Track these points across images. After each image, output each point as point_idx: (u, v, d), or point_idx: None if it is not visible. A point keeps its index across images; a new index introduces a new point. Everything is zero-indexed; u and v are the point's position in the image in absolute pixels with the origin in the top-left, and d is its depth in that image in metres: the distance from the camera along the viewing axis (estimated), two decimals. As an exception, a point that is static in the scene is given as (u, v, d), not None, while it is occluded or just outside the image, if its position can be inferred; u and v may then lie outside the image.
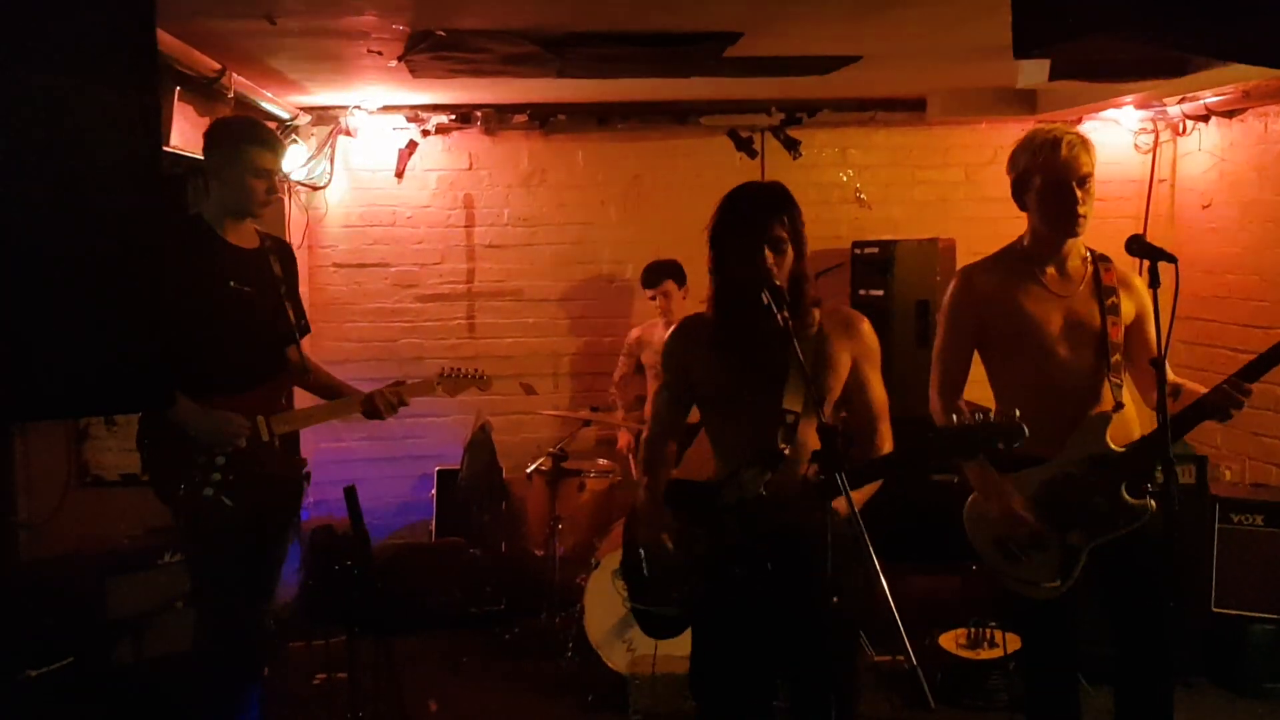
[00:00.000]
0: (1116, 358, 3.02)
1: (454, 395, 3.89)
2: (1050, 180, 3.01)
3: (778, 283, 2.60)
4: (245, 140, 3.34)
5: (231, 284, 3.36)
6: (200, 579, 3.45)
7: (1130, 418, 3.06)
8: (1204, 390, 2.99)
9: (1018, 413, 2.43)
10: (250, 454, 3.35)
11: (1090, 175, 3.01)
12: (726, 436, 2.83)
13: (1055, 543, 3.02)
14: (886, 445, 2.81)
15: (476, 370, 3.93)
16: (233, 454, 3.31)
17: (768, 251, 2.64)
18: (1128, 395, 3.06)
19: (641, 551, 2.93)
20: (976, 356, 3.26)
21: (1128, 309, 3.08)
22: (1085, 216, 3.02)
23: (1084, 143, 3.03)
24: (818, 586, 2.40)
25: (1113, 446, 2.98)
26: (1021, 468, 3.06)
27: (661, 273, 5.54)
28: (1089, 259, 3.12)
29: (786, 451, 2.69)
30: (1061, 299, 3.07)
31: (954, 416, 2.52)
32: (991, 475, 3.09)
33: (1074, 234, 3.05)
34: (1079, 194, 2.99)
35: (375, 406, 3.60)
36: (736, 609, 2.76)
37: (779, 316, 2.53)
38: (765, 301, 2.54)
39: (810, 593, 2.50)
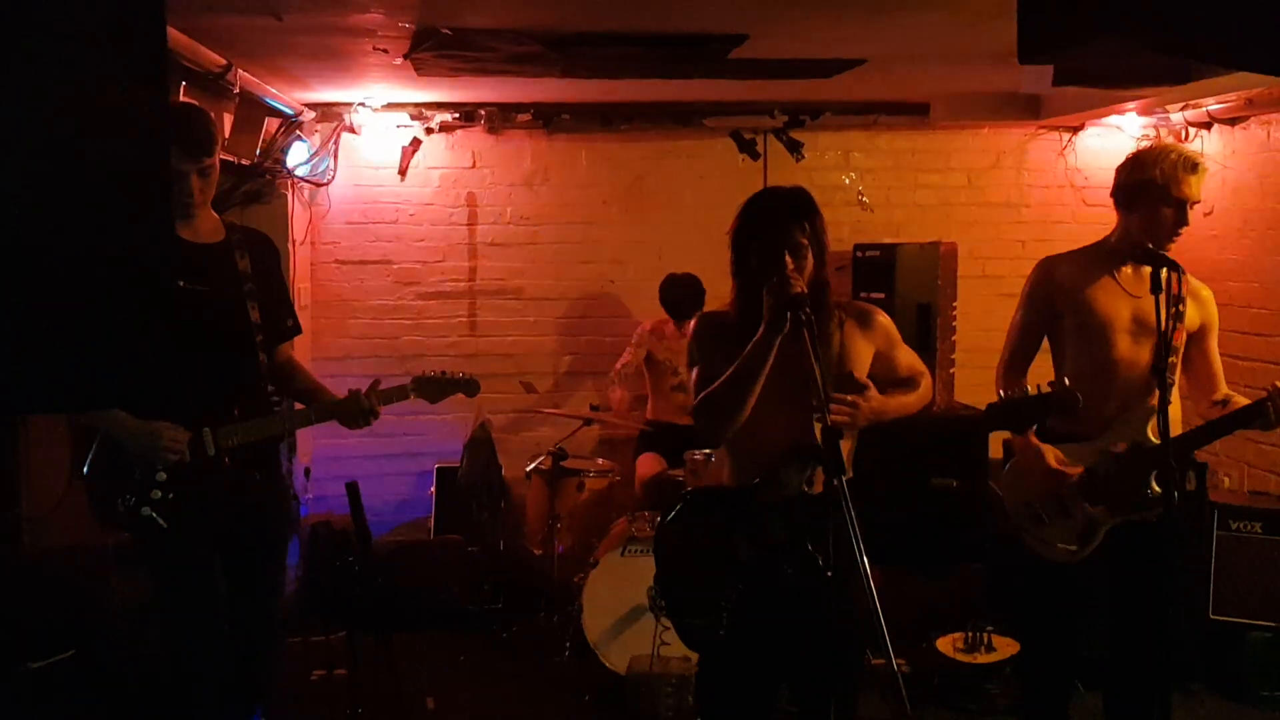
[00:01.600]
0: (1172, 359, 3.23)
1: (435, 402, 3.52)
2: (1175, 198, 3.19)
3: (798, 290, 2.60)
4: None
5: (181, 284, 2.99)
6: (157, 595, 3.21)
7: (1174, 415, 3.22)
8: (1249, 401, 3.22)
9: (1066, 381, 2.69)
10: (193, 471, 3.03)
11: (1199, 202, 3.24)
12: (757, 434, 2.77)
13: (1080, 512, 3.24)
14: (927, 382, 3.00)
15: (462, 373, 3.54)
16: (173, 471, 3.01)
17: (788, 257, 2.67)
18: (1175, 394, 3.27)
19: (681, 563, 2.86)
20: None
21: (1193, 318, 3.30)
22: (1173, 236, 3.23)
23: (1205, 169, 3.26)
24: (834, 584, 2.41)
25: (1151, 437, 3.17)
26: (1067, 441, 3.29)
27: (693, 303, 5.54)
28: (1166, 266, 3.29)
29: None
30: (1132, 298, 3.28)
31: (1009, 391, 2.77)
32: (1033, 444, 3.32)
33: (1165, 248, 3.21)
34: (1189, 217, 3.22)
35: (355, 414, 3.29)
36: (786, 610, 2.73)
37: (806, 325, 2.54)
38: (804, 318, 2.54)
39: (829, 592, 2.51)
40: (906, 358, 2.99)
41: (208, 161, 3.06)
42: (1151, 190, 3.21)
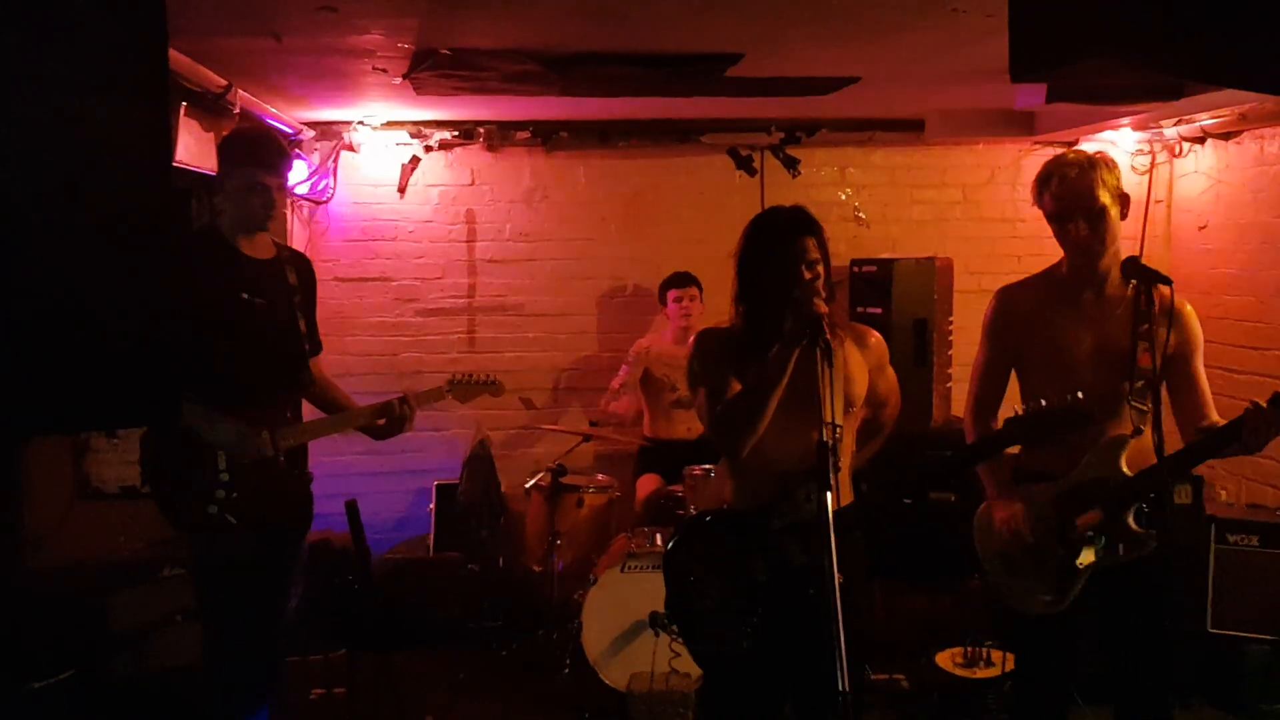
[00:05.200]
0: (1141, 384, 2.96)
1: (465, 402, 3.93)
2: (1056, 214, 3.00)
3: (820, 308, 2.63)
4: (244, 156, 3.36)
5: (244, 296, 3.35)
6: (205, 596, 3.41)
7: (1148, 445, 2.92)
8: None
9: (1080, 394, 2.56)
10: (255, 470, 3.30)
11: (1101, 207, 2.94)
12: (766, 452, 2.77)
13: (1055, 559, 3.00)
14: (889, 414, 3.10)
15: (488, 376, 3.95)
16: (238, 470, 3.27)
17: (805, 272, 2.70)
18: (1149, 423, 2.97)
19: (696, 588, 2.84)
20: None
21: (1171, 339, 2.97)
22: (1103, 242, 2.96)
23: (1095, 170, 2.95)
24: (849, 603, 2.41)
25: (1125, 471, 2.95)
26: (1035, 481, 3.09)
27: (689, 278, 5.66)
28: (1132, 285, 3.02)
29: (839, 465, 2.72)
30: (1096, 322, 3.05)
31: (1018, 409, 2.71)
32: (1007, 482, 3.13)
33: (1095, 261, 2.99)
34: (1085, 229, 2.94)
35: (392, 419, 3.60)
36: (804, 630, 2.71)
37: (820, 344, 2.56)
38: (822, 342, 2.56)
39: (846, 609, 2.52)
40: (886, 384, 3.03)
41: (288, 176, 3.44)
42: (1048, 212, 3.02)
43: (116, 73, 1.59)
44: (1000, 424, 3.12)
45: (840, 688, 2.22)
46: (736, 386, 2.77)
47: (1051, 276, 3.17)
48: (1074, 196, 2.95)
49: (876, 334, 3.00)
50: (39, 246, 1.54)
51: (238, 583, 3.32)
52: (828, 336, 2.57)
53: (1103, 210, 2.95)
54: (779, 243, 2.76)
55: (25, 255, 1.53)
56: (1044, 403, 2.66)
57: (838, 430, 2.72)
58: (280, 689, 3.66)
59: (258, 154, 3.38)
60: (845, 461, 2.80)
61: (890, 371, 3.05)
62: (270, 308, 3.42)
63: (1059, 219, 3.01)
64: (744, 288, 2.85)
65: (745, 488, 2.85)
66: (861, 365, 2.91)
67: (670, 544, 2.98)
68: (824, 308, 2.65)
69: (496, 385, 3.99)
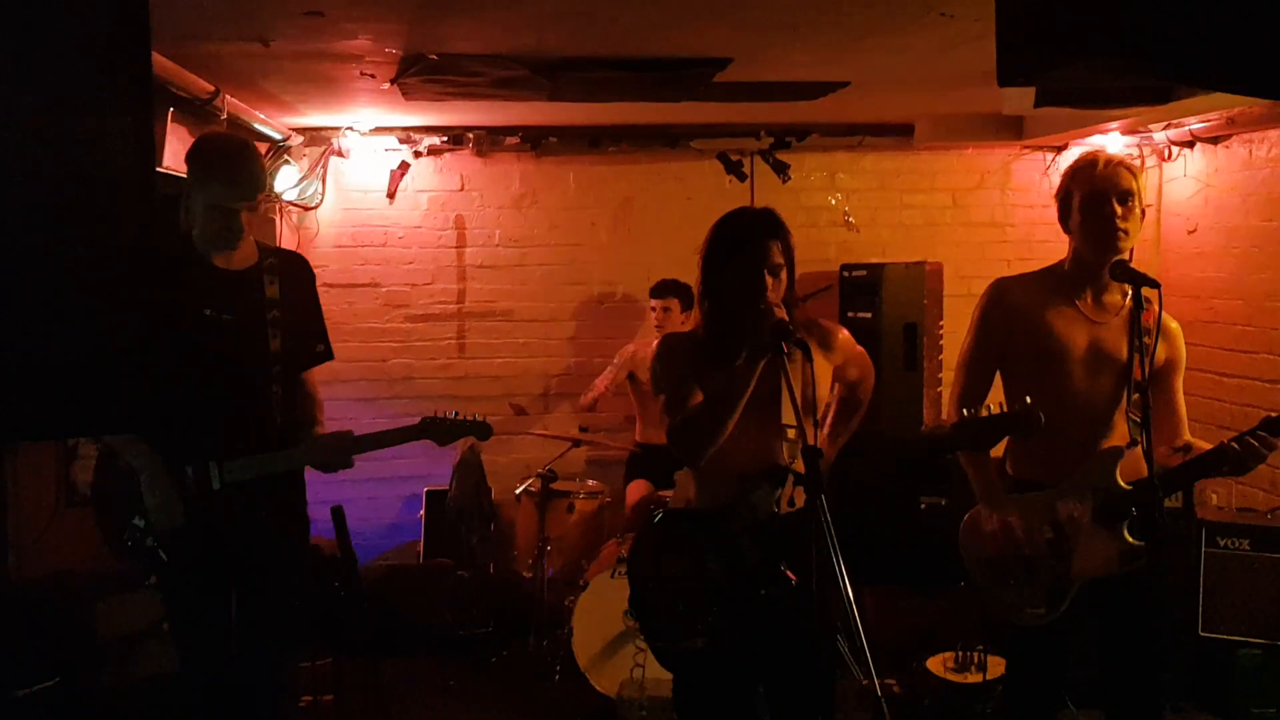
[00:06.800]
0: (1137, 395, 2.92)
1: (444, 444, 3.41)
2: (1088, 194, 2.95)
3: (782, 317, 2.63)
4: (209, 173, 2.99)
5: (207, 312, 3.02)
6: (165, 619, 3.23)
7: (1138, 455, 2.89)
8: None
9: (1029, 399, 2.56)
10: (198, 504, 3.01)
11: (1132, 194, 2.95)
12: (725, 454, 2.77)
13: (1047, 570, 2.97)
14: (866, 388, 3.07)
15: (476, 415, 3.39)
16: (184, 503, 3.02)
17: (768, 277, 2.68)
18: (1138, 433, 2.92)
19: (655, 586, 2.86)
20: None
21: (1160, 353, 2.99)
22: (1126, 233, 2.94)
23: (1125, 164, 2.99)
24: (811, 600, 2.42)
25: (1120, 483, 2.93)
26: (1026, 490, 3.06)
27: (670, 289, 5.62)
28: (1129, 294, 2.99)
29: (794, 466, 2.73)
30: (1093, 324, 3.02)
31: (967, 411, 2.71)
32: (997, 490, 3.09)
33: (1115, 249, 2.95)
34: (1119, 209, 2.92)
35: (332, 467, 3.28)
36: (762, 629, 2.75)
37: (794, 344, 2.57)
38: (784, 349, 2.56)
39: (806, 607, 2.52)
40: (856, 367, 3.01)
41: (259, 198, 3.07)
42: (1072, 197, 3.00)
43: (98, 80, 1.58)
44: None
45: (876, 693, 2.24)
46: (698, 395, 2.76)
47: (1051, 274, 3.14)
48: (1108, 179, 2.93)
49: (843, 331, 2.99)
50: (21, 254, 1.53)
51: (187, 615, 3.12)
52: (799, 337, 2.58)
53: (1133, 194, 2.95)
54: (742, 246, 2.75)
55: (7, 263, 1.52)
56: (991, 409, 2.68)
57: (791, 431, 2.75)
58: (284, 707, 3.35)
59: (225, 173, 3.00)
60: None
61: (856, 351, 3.01)
62: (238, 323, 3.07)
63: (1090, 201, 2.95)
64: (706, 287, 2.85)
65: (706, 488, 2.86)
66: (825, 367, 2.89)
67: (633, 543, 3.01)
68: (784, 314, 2.65)
69: (483, 427, 3.36)
